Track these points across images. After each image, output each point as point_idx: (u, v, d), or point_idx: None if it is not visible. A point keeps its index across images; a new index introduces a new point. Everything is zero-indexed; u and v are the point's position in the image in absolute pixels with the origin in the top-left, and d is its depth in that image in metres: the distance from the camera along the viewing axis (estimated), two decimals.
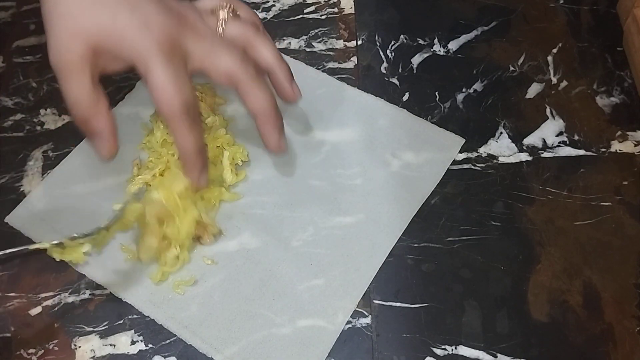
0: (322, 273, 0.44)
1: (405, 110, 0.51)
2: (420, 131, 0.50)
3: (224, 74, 0.42)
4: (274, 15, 0.56)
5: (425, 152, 0.49)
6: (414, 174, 0.48)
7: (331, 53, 0.54)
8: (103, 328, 0.43)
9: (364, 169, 0.48)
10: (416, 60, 0.54)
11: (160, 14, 0.40)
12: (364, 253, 0.45)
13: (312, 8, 0.57)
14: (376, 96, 0.52)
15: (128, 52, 0.40)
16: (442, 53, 0.54)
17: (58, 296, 0.44)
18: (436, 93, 0.52)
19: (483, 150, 0.49)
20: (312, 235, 0.46)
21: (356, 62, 0.54)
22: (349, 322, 0.43)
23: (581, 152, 0.49)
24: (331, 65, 0.54)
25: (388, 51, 0.54)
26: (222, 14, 0.43)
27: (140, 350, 0.43)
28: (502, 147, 0.50)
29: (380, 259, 0.45)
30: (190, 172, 0.43)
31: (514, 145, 0.50)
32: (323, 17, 0.56)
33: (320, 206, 0.47)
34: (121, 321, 0.43)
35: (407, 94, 0.52)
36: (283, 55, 0.45)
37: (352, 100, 0.51)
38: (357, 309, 0.43)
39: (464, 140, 0.49)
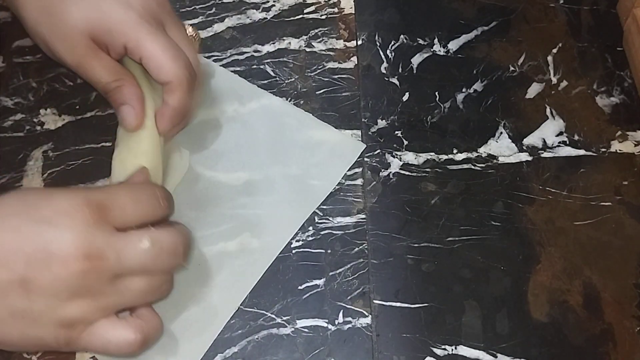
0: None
1: (310, 114, 0.51)
2: (322, 135, 0.50)
3: (175, 72, 0.43)
4: (274, 15, 0.56)
5: (323, 157, 0.49)
6: (311, 179, 0.48)
7: (331, 53, 0.54)
8: None
9: (263, 170, 0.48)
10: (416, 60, 0.54)
11: None
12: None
13: (312, 8, 0.56)
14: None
15: (117, 31, 0.42)
16: (442, 53, 0.54)
17: None
18: (436, 93, 0.52)
19: (483, 150, 0.49)
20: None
21: (356, 62, 0.54)
22: (349, 322, 0.43)
23: (581, 152, 0.49)
24: (331, 65, 0.54)
25: (388, 51, 0.54)
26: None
27: None
28: (502, 147, 0.50)
29: (263, 267, 0.45)
30: (173, 129, 0.45)
31: (514, 145, 0.50)
32: (323, 17, 0.56)
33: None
34: None
35: (407, 94, 0.52)
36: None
37: (264, 104, 0.51)
38: (357, 309, 0.44)
39: (364, 146, 0.49)
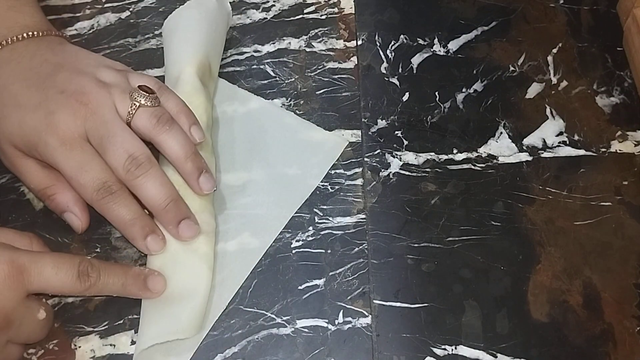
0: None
1: (291, 113, 0.51)
2: (306, 133, 0.50)
3: (116, 166, 0.42)
4: (274, 15, 0.56)
5: (309, 154, 0.49)
6: (311, 179, 0.48)
7: (331, 53, 0.54)
8: (103, 328, 0.43)
9: (263, 170, 0.48)
10: (416, 60, 0.54)
11: (61, 106, 0.42)
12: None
13: (312, 8, 0.56)
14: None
15: (38, 152, 0.43)
16: (442, 53, 0.54)
17: (58, 296, 0.44)
18: (436, 93, 0.52)
19: (483, 150, 0.49)
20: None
21: (356, 62, 0.54)
22: (349, 322, 0.43)
23: (581, 152, 0.49)
24: (331, 65, 0.54)
25: (388, 51, 0.54)
26: (137, 99, 0.43)
27: None
28: (502, 147, 0.50)
29: (252, 263, 0.45)
30: (169, 224, 0.43)
31: (514, 145, 0.50)
32: (323, 17, 0.56)
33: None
34: (121, 321, 0.43)
35: (407, 94, 0.52)
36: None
37: (254, 108, 0.51)
38: (357, 309, 0.44)
39: (347, 142, 0.50)
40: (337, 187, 0.48)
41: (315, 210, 0.47)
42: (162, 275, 0.42)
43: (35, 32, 0.46)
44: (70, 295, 0.44)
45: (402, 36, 0.55)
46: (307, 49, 0.54)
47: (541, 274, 0.44)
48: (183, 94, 0.47)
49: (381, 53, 0.54)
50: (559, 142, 0.50)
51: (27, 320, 0.39)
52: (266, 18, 0.56)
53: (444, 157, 0.49)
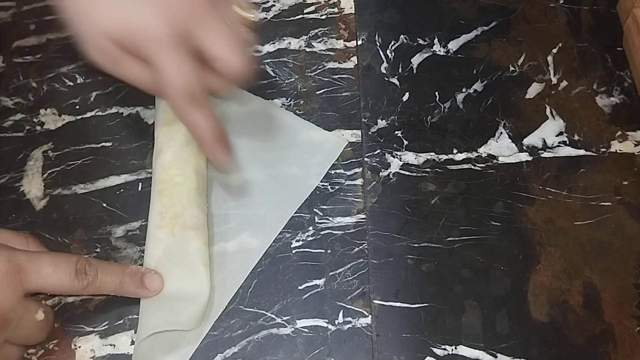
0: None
1: (291, 113, 0.51)
2: (306, 133, 0.50)
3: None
4: (274, 15, 0.56)
5: (309, 154, 0.49)
6: (311, 179, 0.48)
7: (331, 53, 0.54)
8: (103, 328, 0.43)
9: (263, 170, 0.49)
10: (416, 60, 0.54)
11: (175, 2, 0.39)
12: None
13: (312, 8, 0.56)
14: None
15: (139, 41, 0.39)
16: (442, 53, 0.54)
17: (58, 296, 0.44)
18: (436, 93, 0.52)
19: (483, 150, 0.49)
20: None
21: (356, 62, 0.54)
22: (349, 322, 0.43)
23: (581, 152, 0.49)
24: (331, 65, 0.54)
25: (388, 51, 0.54)
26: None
27: None
28: (502, 147, 0.50)
29: (252, 263, 0.45)
30: (212, 154, 0.43)
31: (514, 145, 0.50)
32: (323, 17, 0.56)
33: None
34: (121, 321, 0.44)
35: (407, 94, 0.52)
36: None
37: (255, 108, 0.51)
38: (357, 309, 0.44)
39: (346, 142, 0.50)
40: (337, 187, 0.48)
41: (315, 210, 0.47)
42: (158, 274, 0.42)
43: None
44: (69, 295, 0.44)
45: (402, 36, 0.55)
46: (307, 49, 0.54)
47: (541, 274, 0.44)
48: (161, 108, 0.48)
49: (381, 53, 0.54)
50: (559, 142, 0.50)
51: (25, 320, 0.39)
52: (266, 18, 0.56)
53: (444, 157, 0.49)
